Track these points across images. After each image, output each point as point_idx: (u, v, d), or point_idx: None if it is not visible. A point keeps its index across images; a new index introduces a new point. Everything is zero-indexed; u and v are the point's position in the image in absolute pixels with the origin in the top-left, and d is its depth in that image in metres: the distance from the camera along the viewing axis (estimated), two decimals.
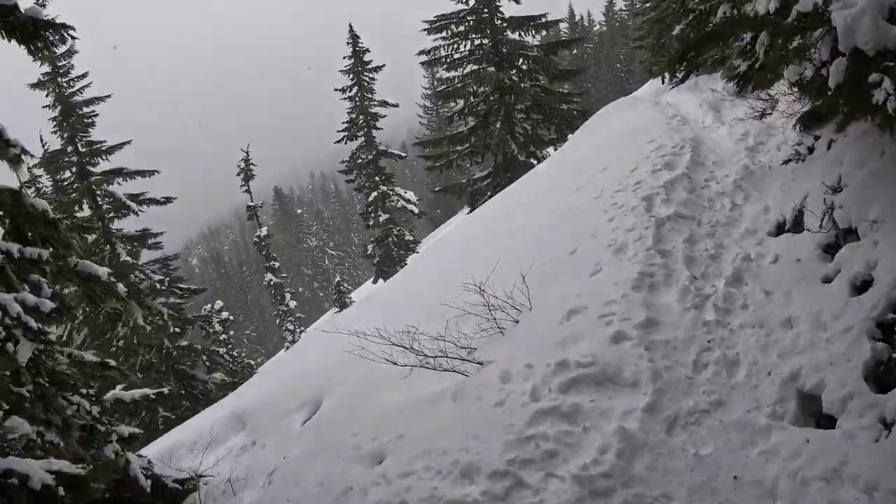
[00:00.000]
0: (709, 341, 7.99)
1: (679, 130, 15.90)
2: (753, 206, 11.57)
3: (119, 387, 9.65)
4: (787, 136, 13.60)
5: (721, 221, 11.18)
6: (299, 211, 79.69)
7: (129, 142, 24.03)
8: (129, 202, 22.97)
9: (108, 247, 22.72)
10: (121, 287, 7.60)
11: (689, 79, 23.73)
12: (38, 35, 5.96)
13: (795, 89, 12.93)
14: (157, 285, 23.09)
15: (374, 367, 9.40)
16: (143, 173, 23.44)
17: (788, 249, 9.29)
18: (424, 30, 30.13)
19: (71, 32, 6.18)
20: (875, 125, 7.82)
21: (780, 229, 10.45)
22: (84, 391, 7.58)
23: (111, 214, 23.20)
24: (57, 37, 6.13)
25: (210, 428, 11.52)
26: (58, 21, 6.25)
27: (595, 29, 62.56)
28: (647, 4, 32.28)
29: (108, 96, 23.64)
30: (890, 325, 6.63)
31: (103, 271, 7.26)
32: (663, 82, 27.39)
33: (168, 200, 24.29)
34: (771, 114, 15.96)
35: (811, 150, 12.14)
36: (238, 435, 11.30)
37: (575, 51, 45.28)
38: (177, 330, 23.51)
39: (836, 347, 6.92)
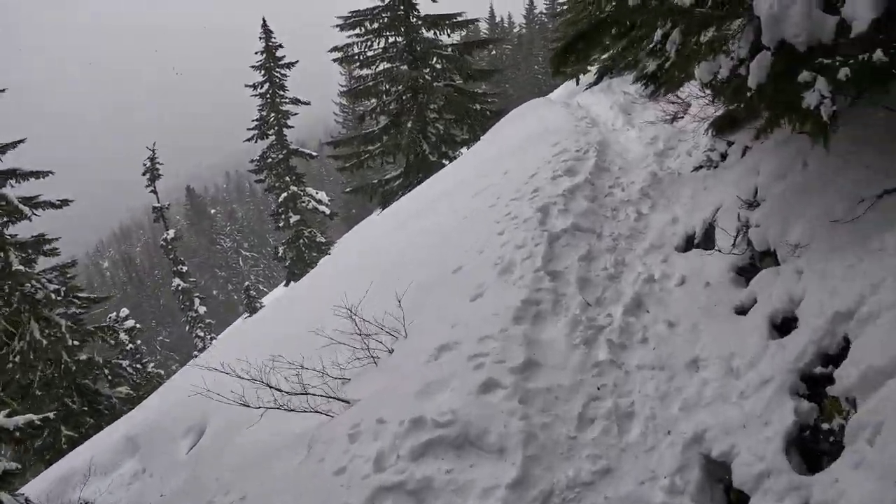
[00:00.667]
0: (598, 388, 6.37)
1: (586, 133, 14.48)
2: (660, 216, 10.16)
3: (1, 413, 8.60)
4: (698, 141, 12.30)
5: (624, 234, 9.71)
6: (213, 211, 76.25)
7: (23, 140, 21.24)
8: (21, 206, 20.25)
9: (2, 253, 20.14)
10: None
11: (602, 81, 22.58)
12: None
13: (708, 91, 11.64)
14: (53, 295, 20.71)
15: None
16: (37, 174, 21.00)
17: (697, 270, 7.84)
18: (337, 26, 28.56)
19: None
20: (802, 133, 6.35)
21: (688, 244, 9.04)
22: None
23: (3, 219, 20.45)
24: None
25: (102, 454, 10.92)
26: None
27: (515, 31, 61.31)
28: (565, 6, 31.14)
29: (2, 90, 21.05)
30: (818, 381, 5.15)
31: None
32: (577, 84, 26.24)
33: (64, 203, 21.68)
34: (682, 117, 14.70)
35: (724, 156, 10.84)
36: (130, 460, 10.61)
37: (494, 51, 44.04)
38: (76, 342, 21.26)
39: (750, 404, 5.40)
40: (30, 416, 8.26)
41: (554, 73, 12.95)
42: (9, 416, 8.32)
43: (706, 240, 8.57)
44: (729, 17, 6.41)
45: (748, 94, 5.96)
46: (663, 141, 13.26)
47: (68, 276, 22.74)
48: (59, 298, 20.98)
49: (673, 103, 14.71)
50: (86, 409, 21.51)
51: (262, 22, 34.28)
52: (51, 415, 9.32)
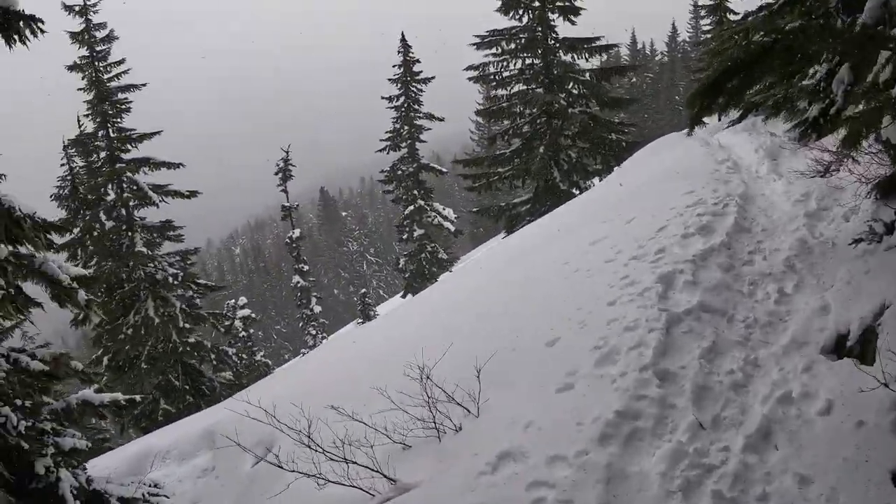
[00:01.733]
0: None
1: (726, 181, 12.59)
2: (807, 299, 8.30)
3: (93, 387, 9.38)
4: (858, 204, 10.24)
5: (761, 320, 7.92)
6: (344, 213, 76.81)
7: (159, 132, 22.35)
8: (150, 193, 21.37)
9: (129, 234, 21.39)
10: (82, 295, 7.21)
11: (747, 118, 20.31)
12: (11, 26, 6.09)
13: (880, 147, 9.59)
14: (171, 279, 21.20)
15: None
16: (169, 165, 22.15)
17: (849, 396, 5.97)
18: (474, 44, 27.33)
19: (40, 25, 6.21)
20: None
21: (839, 346, 7.17)
22: (19, 402, 6.84)
23: (133, 203, 21.60)
24: (27, 29, 6.17)
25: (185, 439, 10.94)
26: (26, 13, 6.20)
27: (657, 59, 58.03)
28: (709, 35, 28.67)
29: (144, 84, 22.25)
30: None
31: (66, 276, 6.99)
32: (719, 119, 23.93)
33: (193, 194, 22.53)
34: (838, 170, 12.53)
35: (891, 229, 8.79)
36: (205, 455, 10.33)
37: (634, 79, 41.62)
38: (187, 325, 21.67)
39: None
40: (117, 395, 8.24)
41: (694, 118, 10.08)
42: (98, 391, 8.36)
43: (864, 349, 6.70)
44: None
45: None
46: (816, 199, 11.24)
47: (189, 262, 23.22)
48: (175, 283, 21.39)
49: (829, 152, 12.60)
50: (188, 387, 21.89)
51: (400, 36, 33.49)
52: (137, 397, 9.05)
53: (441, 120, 34.59)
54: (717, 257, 9.15)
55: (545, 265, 11.44)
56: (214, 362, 23.14)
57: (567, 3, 26.27)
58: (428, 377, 6.94)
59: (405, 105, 34.13)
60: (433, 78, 34.14)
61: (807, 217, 10.61)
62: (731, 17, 26.96)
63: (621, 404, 6.11)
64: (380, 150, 35.09)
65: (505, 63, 27.45)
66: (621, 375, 6.55)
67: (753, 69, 8.37)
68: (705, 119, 25.50)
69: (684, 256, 9.09)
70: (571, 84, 27.37)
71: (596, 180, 26.01)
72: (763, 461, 5.53)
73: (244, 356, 26.90)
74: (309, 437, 6.89)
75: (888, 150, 8.24)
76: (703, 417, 6.04)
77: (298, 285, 36.84)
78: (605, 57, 29.78)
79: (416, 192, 34.47)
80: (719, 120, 24.17)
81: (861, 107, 8.62)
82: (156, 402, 21.06)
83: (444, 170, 36.89)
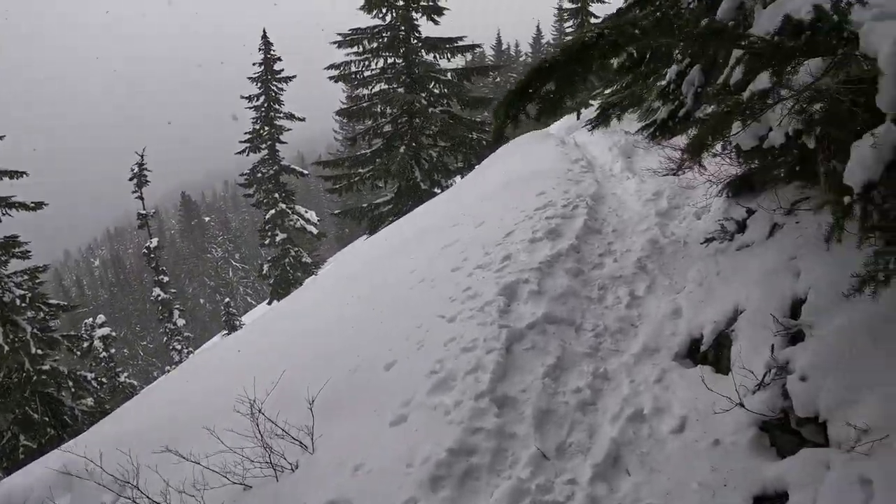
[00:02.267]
0: None
1: (578, 181, 12.10)
2: (659, 302, 7.78)
3: None
4: (710, 202, 9.88)
5: (611, 327, 7.30)
6: (207, 218, 73.05)
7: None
8: None
9: None
10: None
11: (605, 117, 20.17)
12: None
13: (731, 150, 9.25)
14: (19, 301, 18.81)
15: None
16: (12, 174, 19.70)
17: (704, 410, 5.36)
18: (335, 42, 26.26)
19: None
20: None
21: (692, 352, 6.64)
22: None
23: None
24: None
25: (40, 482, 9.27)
26: None
27: (521, 59, 58.45)
28: (569, 36, 28.74)
29: None
30: None
31: None
32: (578, 118, 23.88)
33: (38, 206, 20.10)
34: (690, 169, 12.26)
35: (742, 227, 8.41)
36: (63, 499, 8.81)
37: (498, 79, 41.48)
38: (40, 351, 19.20)
39: None
40: None
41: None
42: None
43: (717, 355, 6.14)
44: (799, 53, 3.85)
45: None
46: (667, 197, 10.87)
47: (38, 281, 20.71)
48: (23, 305, 19.06)
49: (679, 150, 12.33)
50: (48, 419, 19.43)
51: (262, 33, 32.09)
52: None
53: (302, 120, 33.42)
54: (566, 262, 8.50)
55: (393, 273, 10.52)
56: (73, 389, 20.73)
57: (431, 3, 25.64)
58: (260, 411, 6.03)
59: (265, 105, 32.91)
60: (294, 77, 33.06)
61: (658, 216, 10.20)
62: (593, 20, 27.06)
63: (454, 440, 5.21)
64: (239, 153, 33.59)
65: (367, 62, 26.58)
66: (456, 405, 5.66)
67: (570, 67, 7.23)
68: (566, 116, 25.68)
69: (530, 264, 8.37)
70: (433, 84, 26.78)
71: (458, 178, 25.41)
72: (613, 491, 4.79)
73: (104, 380, 24.51)
74: (136, 487, 6.09)
75: (738, 154, 7.79)
76: (547, 446, 5.24)
77: (159, 298, 34.32)
78: (469, 57, 29.30)
79: (277, 195, 33.29)
80: (577, 118, 24.12)
81: (711, 109, 8.08)
82: (15, 439, 18.75)
83: (305, 171, 35.63)
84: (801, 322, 4.82)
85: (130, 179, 33.72)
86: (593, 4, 27.77)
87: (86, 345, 25.55)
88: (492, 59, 51.96)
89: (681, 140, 12.86)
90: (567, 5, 30.19)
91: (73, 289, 77.54)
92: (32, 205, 19.91)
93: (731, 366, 5.68)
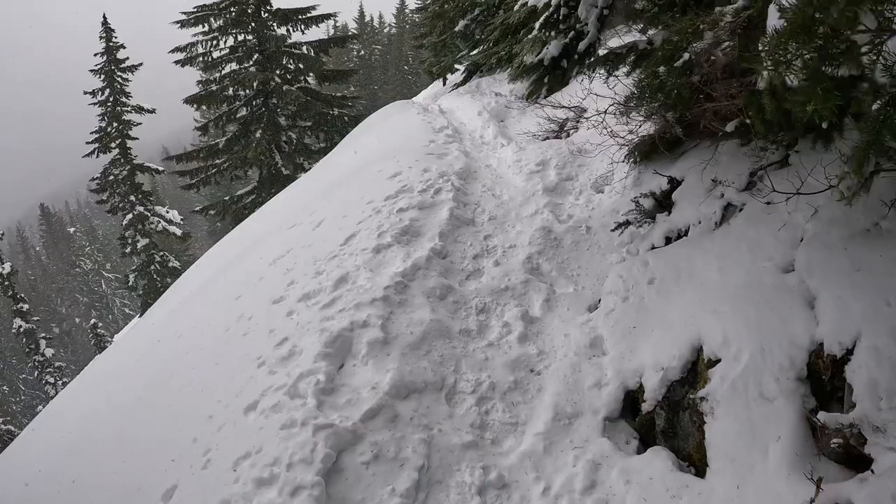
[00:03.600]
0: None
1: (442, 154, 9.19)
2: (567, 326, 5.22)
3: None
4: (613, 170, 7.21)
5: (501, 382, 4.59)
6: (72, 230, 65.91)
7: None
8: None
9: None
10: None
11: (471, 80, 17.44)
12: None
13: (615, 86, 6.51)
14: None
15: None
16: None
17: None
18: (178, 22, 22.34)
19: None
20: None
21: (631, 412, 4.13)
22: None
23: None
24: None
25: None
26: None
27: (385, 30, 54.79)
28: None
29: None
30: None
31: None
32: (444, 84, 21.09)
33: None
34: (576, 129, 9.62)
35: (663, 205, 5.80)
36: None
37: (362, 51, 38.04)
38: None
39: None
40: None
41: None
42: None
43: (672, 425, 3.48)
44: None
45: None
46: (556, 167, 8.17)
47: None
48: None
49: (562, 107, 9.66)
50: None
51: (102, 19, 27.50)
52: None
53: (152, 112, 28.94)
54: (426, 278, 5.64)
55: (204, 309, 7.40)
56: None
57: None
58: None
59: (111, 98, 28.27)
60: (140, 65, 28.42)
61: (547, 193, 7.52)
62: None
63: None
64: (88, 155, 28.83)
65: (215, 41, 22.91)
66: None
67: None
68: (433, 83, 22.89)
69: (373, 291, 5.41)
70: (287, 59, 23.30)
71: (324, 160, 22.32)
72: None
73: None
74: None
75: (658, 99, 5.06)
76: None
77: (21, 329, 29.56)
78: (331, 31, 25.91)
79: (133, 197, 28.84)
80: (444, 84, 21.35)
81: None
82: None
83: (160, 168, 31.22)
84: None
85: None
86: None
87: None
88: (355, 30, 48.28)
89: (561, 96, 10.36)
90: None
91: None
92: None
93: (707, 459, 3.01)
